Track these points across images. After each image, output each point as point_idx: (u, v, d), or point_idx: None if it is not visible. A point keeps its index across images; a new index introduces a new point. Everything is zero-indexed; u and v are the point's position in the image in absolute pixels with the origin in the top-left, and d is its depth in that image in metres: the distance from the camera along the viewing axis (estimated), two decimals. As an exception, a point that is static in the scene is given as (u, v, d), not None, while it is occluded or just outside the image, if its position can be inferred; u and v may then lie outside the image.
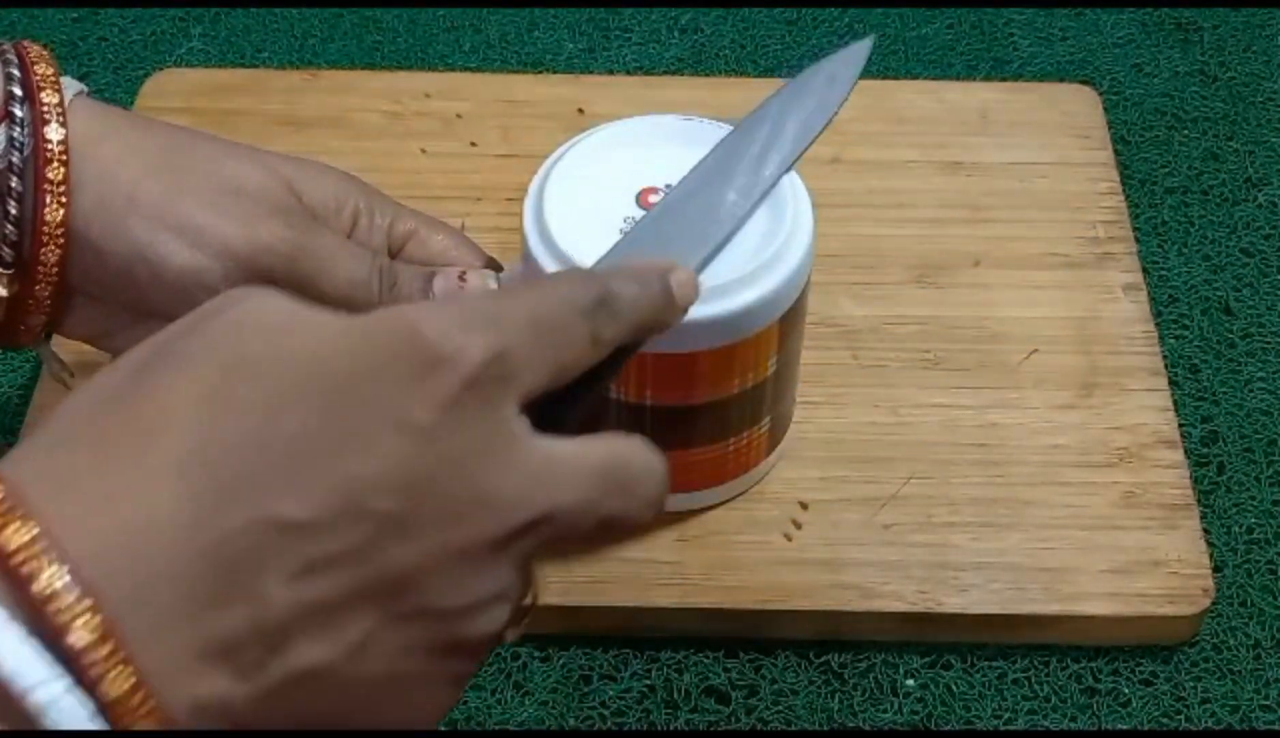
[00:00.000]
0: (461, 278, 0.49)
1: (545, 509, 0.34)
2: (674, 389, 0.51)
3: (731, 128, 0.51)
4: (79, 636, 0.29)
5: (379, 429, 0.32)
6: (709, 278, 0.49)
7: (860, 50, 0.52)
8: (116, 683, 0.29)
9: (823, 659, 0.54)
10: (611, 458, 0.35)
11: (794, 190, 0.51)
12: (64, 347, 0.53)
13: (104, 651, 0.29)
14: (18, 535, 0.29)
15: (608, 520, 0.35)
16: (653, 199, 0.51)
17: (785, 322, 0.51)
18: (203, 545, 0.30)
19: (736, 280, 0.49)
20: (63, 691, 0.29)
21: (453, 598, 0.33)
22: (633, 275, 0.38)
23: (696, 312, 0.48)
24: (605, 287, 0.37)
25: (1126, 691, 0.54)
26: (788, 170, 0.50)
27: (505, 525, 0.33)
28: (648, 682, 0.54)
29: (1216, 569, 0.56)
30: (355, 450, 0.31)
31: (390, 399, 0.32)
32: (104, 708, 0.29)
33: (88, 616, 0.29)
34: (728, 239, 0.48)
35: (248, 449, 0.31)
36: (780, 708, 0.53)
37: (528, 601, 0.36)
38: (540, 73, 0.75)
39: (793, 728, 0.53)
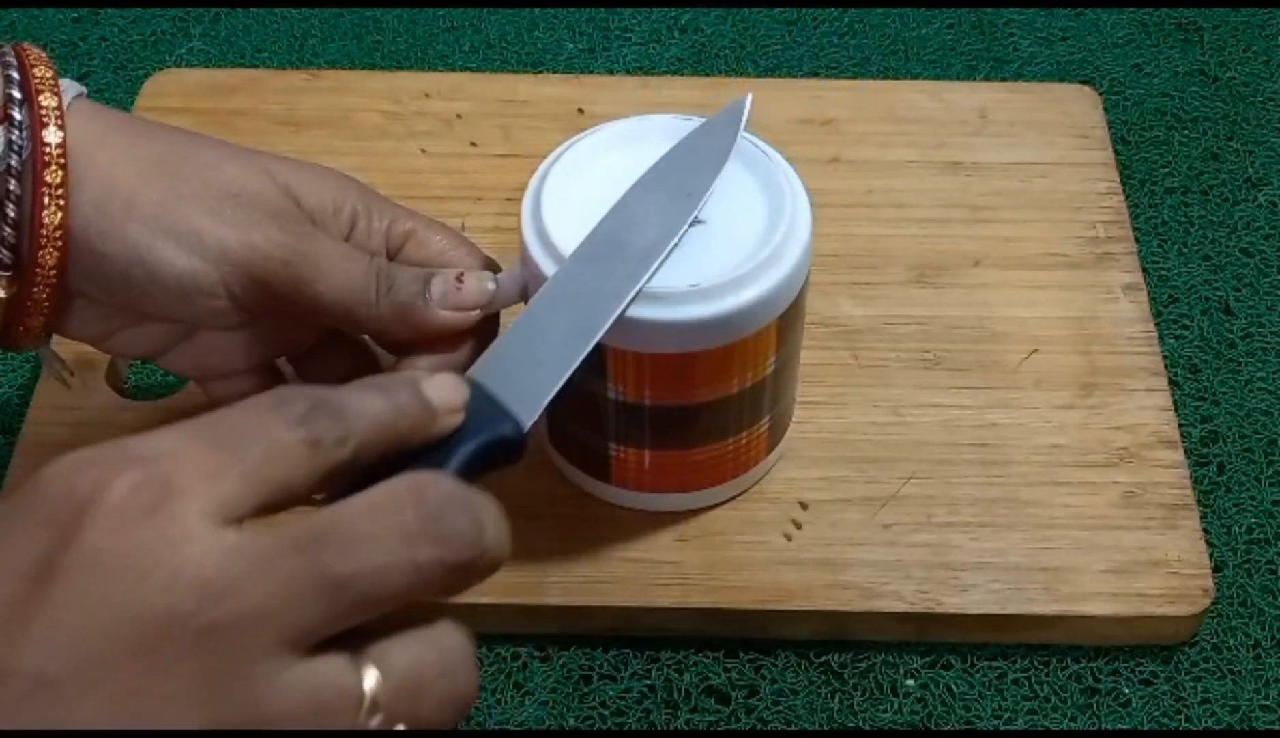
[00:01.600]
0: (459, 279, 0.49)
1: (223, 614, 0.31)
2: (673, 389, 0.51)
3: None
4: None
5: (12, 588, 0.31)
6: (707, 277, 0.49)
7: (735, 107, 0.52)
8: None
9: (823, 659, 0.54)
10: (316, 525, 0.33)
11: (791, 189, 0.51)
12: (64, 347, 0.54)
13: None
14: None
15: (370, 582, 0.33)
16: None
17: (784, 321, 0.51)
18: None
19: (734, 280, 0.49)
20: None
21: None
22: (371, 385, 0.38)
23: (694, 311, 0.49)
24: (319, 397, 0.36)
25: (1126, 691, 0.54)
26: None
27: (171, 651, 0.31)
28: (648, 682, 0.54)
29: (1216, 569, 0.56)
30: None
31: (23, 556, 0.31)
32: None
33: None
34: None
35: None
36: (780, 708, 0.53)
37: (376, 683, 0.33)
38: (540, 73, 0.75)
39: (793, 728, 0.53)
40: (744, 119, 0.51)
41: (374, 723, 0.33)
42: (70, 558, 0.31)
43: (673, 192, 0.50)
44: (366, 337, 0.52)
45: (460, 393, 0.40)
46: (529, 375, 0.45)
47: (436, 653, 0.35)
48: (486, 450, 0.42)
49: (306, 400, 0.35)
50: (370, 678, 0.33)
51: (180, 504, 0.32)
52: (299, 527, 0.33)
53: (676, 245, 0.49)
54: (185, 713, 0.31)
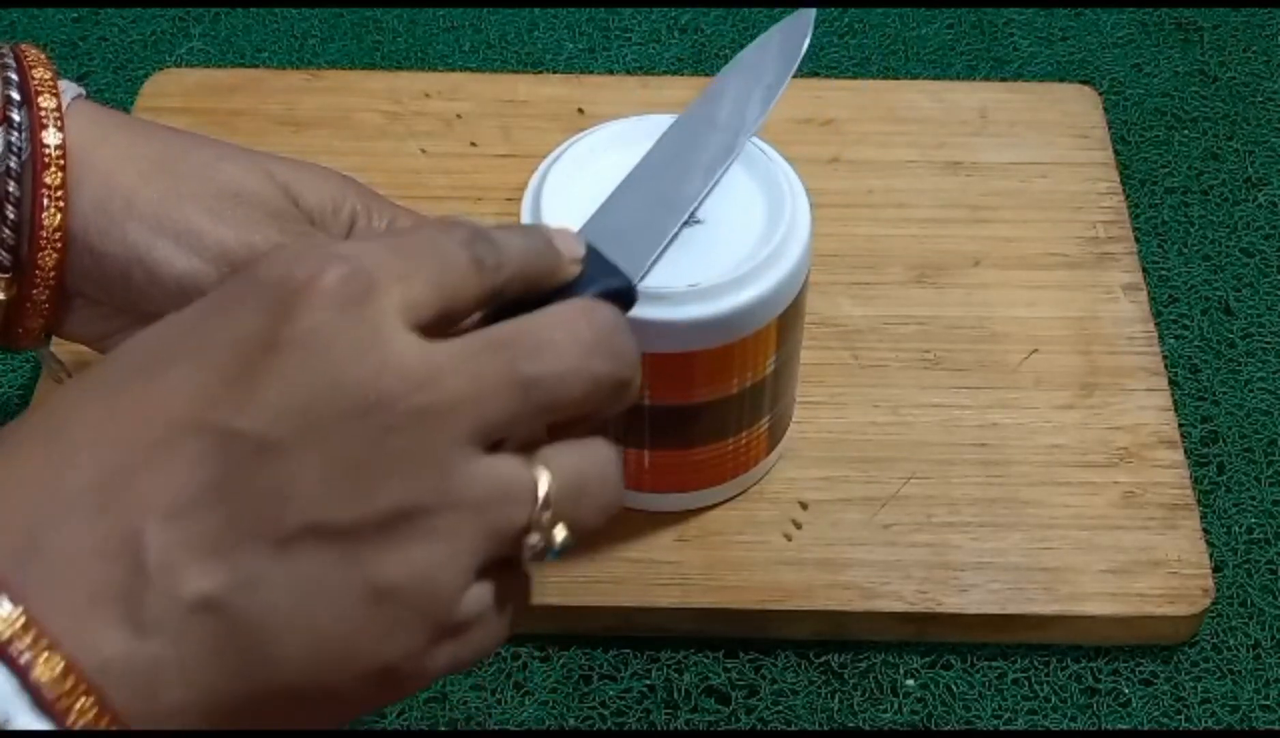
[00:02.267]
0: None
1: (426, 400, 0.33)
2: (672, 389, 0.51)
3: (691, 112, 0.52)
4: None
5: (232, 358, 0.33)
6: (706, 277, 0.49)
7: (804, 19, 0.54)
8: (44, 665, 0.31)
9: (823, 659, 0.54)
10: (505, 331, 0.36)
11: (791, 189, 0.51)
12: (63, 348, 0.53)
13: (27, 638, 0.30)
14: None
15: (553, 385, 0.35)
16: None
17: (783, 321, 0.51)
18: (84, 502, 0.32)
19: (734, 280, 0.49)
20: None
21: (342, 511, 0.33)
22: (512, 228, 0.39)
23: (694, 311, 0.49)
24: (478, 226, 0.38)
25: (1126, 691, 0.54)
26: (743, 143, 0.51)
27: (380, 425, 0.33)
28: (648, 682, 0.54)
29: (1216, 569, 0.56)
30: (212, 384, 0.33)
31: (244, 329, 0.33)
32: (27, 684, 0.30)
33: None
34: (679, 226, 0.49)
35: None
36: (780, 708, 0.53)
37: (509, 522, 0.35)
38: (540, 73, 0.75)
39: (793, 728, 0.53)
40: (809, 29, 0.54)
41: (544, 518, 0.35)
42: (290, 334, 0.33)
43: (752, 82, 0.52)
44: None
45: (581, 245, 0.41)
46: (633, 236, 0.46)
47: (594, 462, 0.37)
48: (603, 299, 0.43)
49: (468, 227, 0.37)
50: (544, 477, 0.35)
51: (382, 299, 0.34)
52: (491, 330, 0.36)
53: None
54: (387, 485, 0.33)
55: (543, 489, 0.35)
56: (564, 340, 0.36)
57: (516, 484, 0.35)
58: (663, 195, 0.49)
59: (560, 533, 0.36)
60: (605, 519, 0.37)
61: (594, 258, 0.42)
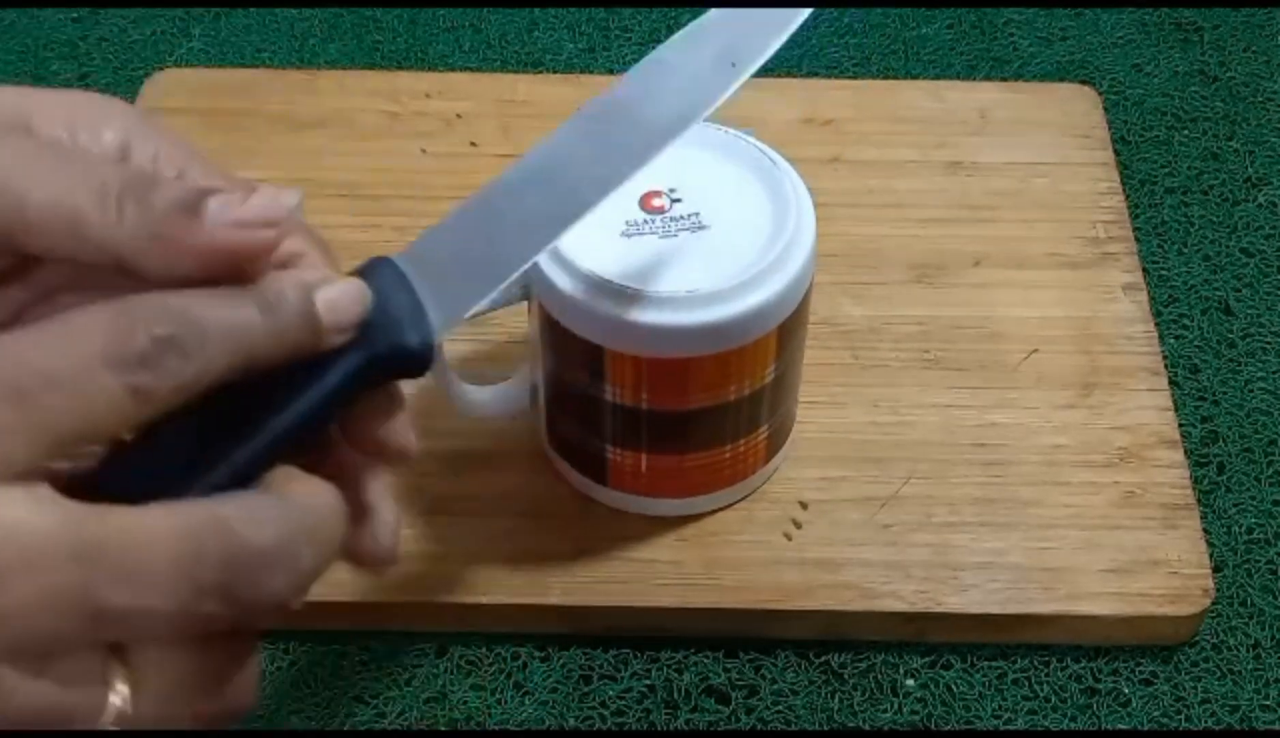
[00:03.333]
0: (246, 193, 0.35)
1: None
2: (669, 394, 0.51)
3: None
4: None
5: None
6: (707, 283, 0.49)
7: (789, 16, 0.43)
8: None
9: (823, 659, 0.54)
10: (94, 535, 0.29)
11: (797, 196, 0.51)
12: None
13: None
14: None
15: (137, 623, 0.29)
16: (655, 202, 0.51)
17: (784, 330, 0.51)
18: None
19: (735, 287, 0.49)
20: None
21: None
22: (250, 296, 0.31)
23: (693, 317, 0.49)
24: (177, 322, 0.30)
25: (1126, 691, 0.54)
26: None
27: None
28: (648, 682, 0.54)
29: (1216, 569, 0.56)
30: None
31: None
32: None
33: None
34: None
35: None
36: (780, 708, 0.53)
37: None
38: (540, 73, 0.75)
39: (793, 728, 0.53)
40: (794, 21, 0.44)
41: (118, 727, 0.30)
42: None
43: (716, 57, 0.41)
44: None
45: (359, 306, 0.33)
46: (472, 264, 0.37)
47: (205, 664, 0.31)
48: (380, 364, 0.35)
49: (156, 331, 0.30)
50: (116, 695, 0.30)
51: None
52: (87, 530, 0.29)
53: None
54: None
55: (110, 713, 0.30)
56: (173, 579, 0.29)
57: (79, 707, 0.29)
58: (540, 208, 0.39)
59: None
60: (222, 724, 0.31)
61: (394, 295, 0.35)
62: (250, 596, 0.29)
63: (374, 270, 0.36)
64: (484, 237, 0.38)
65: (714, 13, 0.42)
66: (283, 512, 0.30)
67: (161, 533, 0.29)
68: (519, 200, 0.39)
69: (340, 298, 0.33)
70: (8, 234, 0.34)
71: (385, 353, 0.35)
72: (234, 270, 0.34)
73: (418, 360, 0.36)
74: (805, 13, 0.42)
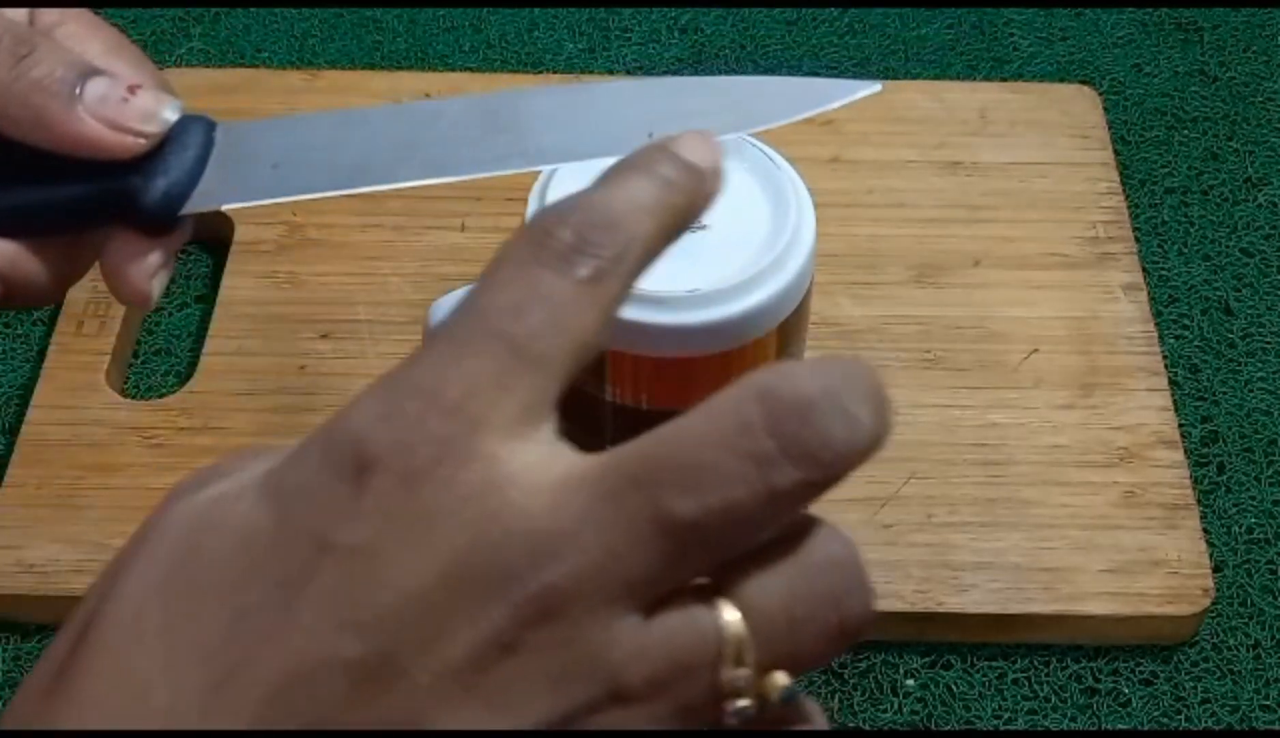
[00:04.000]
0: (130, 91, 0.37)
1: (558, 576, 0.26)
2: (670, 394, 0.51)
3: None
4: None
5: (312, 568, 0.27)
6: (707, 282, 0.49)
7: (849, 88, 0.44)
8: None
9: (823, 659, 0.54)
10: (645, 455, 0.28)
11: (797, 196, 0.51)
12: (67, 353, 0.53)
13: None
14: None
15: (717, 526, 0.27)
16: None
17: (785, 330, 0.51)
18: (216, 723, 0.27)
19: (735, 286, 0.49)
20: None
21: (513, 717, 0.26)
22: (625, 167, 0.31)
23: (693, 317, 0.49)
24: (582, 208, 0.30)
25: (1126, 691, 0.54)
26: None
27: (508, 618, 0.26)
28: (648, 682, 0.54)
29: (1216, 569, 0.56)
30: (287, 610, 0.27)
31: (313, 531, 0.27)
32: None
33: None
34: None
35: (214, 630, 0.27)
36: (780, 708, 0.53)
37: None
38: (540, 73, 0.75)
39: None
40: (830, 106, 0.43)
41: (740, 676, 0.28)
42: (386, 525, 0.27)
43: (639, 114, 0.40)
44: None
45: (717, 148, 0.33)
46: (291, 166, 0.38)
47: (810, 579, 0.29)
48: (112, 200, 0.37)
49: (570, 221, 0.30)
50: (730, 619, 0.28)
51: (486, 440, 0.27)
52: (632, 454, 0.28)
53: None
54: (533, 695, 0.27)
55: (732, 637, 0.27)
56: (731, 460, 0.27)
57: (692, 644, 0.27)
58: (376, 153, 0.39)
59: (780, 682, 0.29)
60: (844, 644, 0.29)
61: (171, 155, 0.37)
62: (817, 446, 0.27)
63: (187, 122, 0.38)
64: (320, 148, 0.38)
65: (699, 86, 0.41)
66: (814, 365, 0.28)
67: (700, 425, 0.28)
68: (374, 135, 0.39)
69: (700, 147, 0.32)
70: None
71: (118, 193, 0.36)
72: (95, 155, 0.37)
73: (148, 216, 0.37)
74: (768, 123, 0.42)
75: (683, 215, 0.32)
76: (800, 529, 0.29)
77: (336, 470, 0.27)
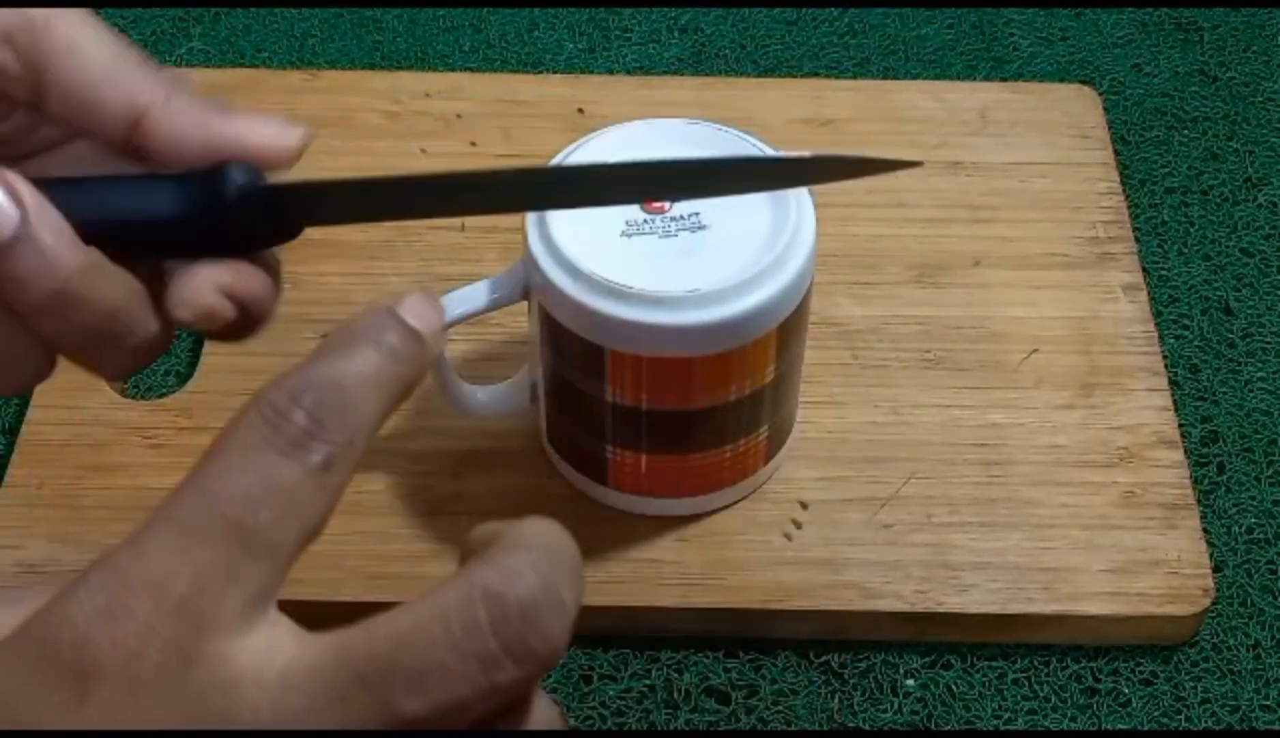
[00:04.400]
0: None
1: None
2: (669, 394, 0.51)
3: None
4: None
5: None
6: (707, 282, 0.49)
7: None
8: None
9: (823, 659, 0.54)
10: (376, 654, 0.28)
11: (797, 196, 0.51)
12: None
13: None
14: None
15: (445, 718, 0.28)
16: (655, 202, 0.51)
17: (784, 330, 0.51)
18: None
19: (735, 286, 0.49)
20: None
21: None
22: (348, 340, 0.32)
23: (693, 317, 0.49)
24: (315, 390, 0.30)
25: (1126, 691, 0.54)
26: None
27: None
28: (648, 682, 0.54)
29: (1216, 569, 0.56)
30: None
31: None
32: None
33: None
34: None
35: None
36: (780, 708, 0.53)
37: None
38: (540, 73, 0.75)
39: (793, 728, 0.53)
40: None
41: None
42: (93, 716, 0.27)
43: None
44: None
45: (439, 309, 0.34)
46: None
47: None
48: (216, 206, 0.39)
49: (303, 403, 0.30)
50: None
51: (213, 639, 0.28)
52: (359, 650, 0.28)
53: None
54: None
55: None
56: (457, 660, 0.28)
57: None
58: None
59: None
60: None
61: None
62: (538, 644, 0.29)
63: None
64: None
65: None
66: (530, 557, 0.30)
67: (428, 624, 0.29)
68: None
69: (422, 309, 0.33)
70: (43, 89, 0.38)
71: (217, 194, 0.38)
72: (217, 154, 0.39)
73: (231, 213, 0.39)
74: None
75: (406, 387, 0.33)
76: (514, 702, 0.30)
77: (57, 678, 0.27)
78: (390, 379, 0.32)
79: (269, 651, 0.28)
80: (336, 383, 0.31)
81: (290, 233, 0.40)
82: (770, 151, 0.53)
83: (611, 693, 0.53)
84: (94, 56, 0.38)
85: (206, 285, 0.38)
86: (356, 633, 0.29)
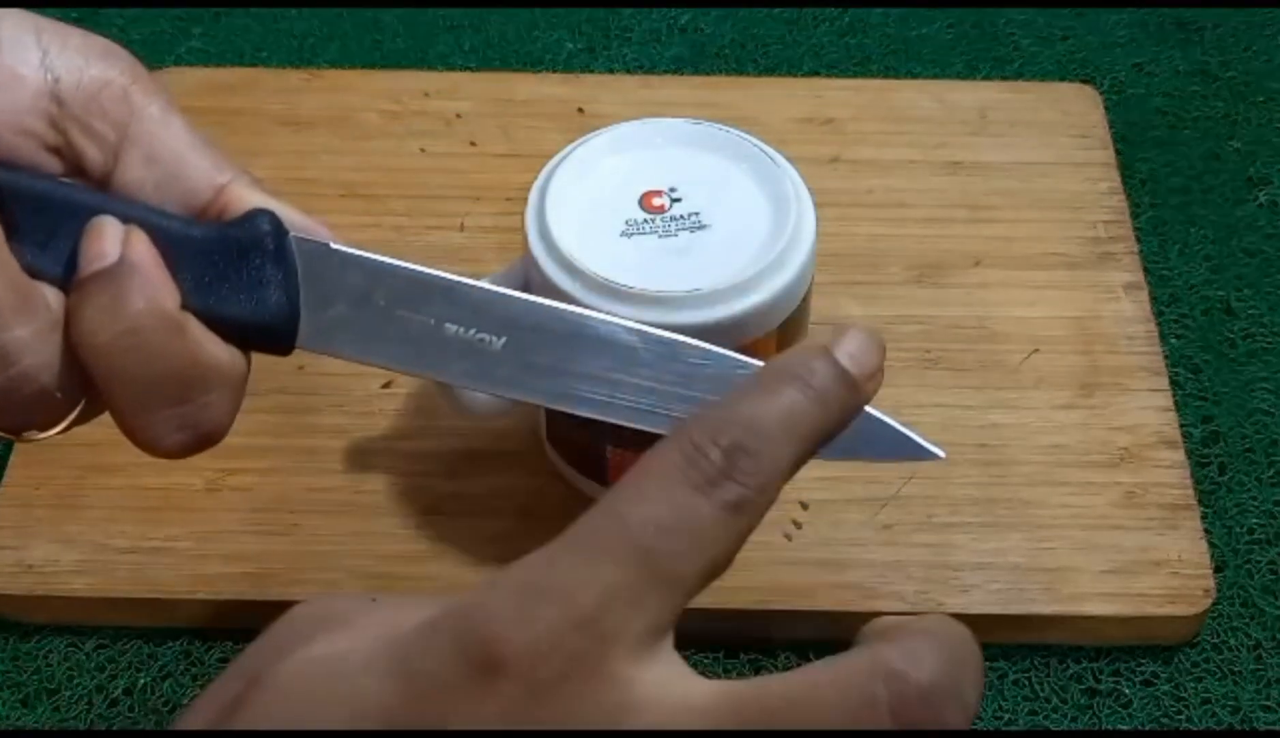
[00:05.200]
0: None
1: None
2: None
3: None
4: None
5: None
6: (707, 282, 0.49)
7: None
8: None
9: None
10: (769, 702, 0.28)
11: (797, 196, 0.51)
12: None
13: None
14: None
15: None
16: (655, 201, 0.51)
17: (784, 330, 0.51)
18: None
19: (735, 287, 0.49)
20: None
21: None
22: (779, 376, 0.32)
23: (693, 317, 0.48)
24: (734, 428, 0.30)
25: (1127, 691, 0.54)
26: None
27: None
28: (648, 682, 0.54)
29: (1217, 569, 0.56)
30: None
31: (435, 719, 0.28)
32: None
33: None
34: None
35: None
36: (780, 709, 0.53)
37: None
38: (540, 73, 0.75)
39: (793, 729, 0.53)
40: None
41: None
42: (508, 730, 0.28)
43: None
44: None
45: (878, 353, 0.34)
46: (368, 326, 0.40)
47: None
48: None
49: (722, 442, 0.30)
50: None
51: (614, 659, 0.28)
52: (753, 701, 0.28)
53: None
54: None
55: None
56: (848, 720, 0.28)
57: None
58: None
59: None
60: None
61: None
62: (933, 732, 0.28)
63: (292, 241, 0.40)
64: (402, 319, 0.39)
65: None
66: (938, 645, 0.29)
67: (825, 690, 0.28)
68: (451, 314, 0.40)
69: (860, 350, 0.34)
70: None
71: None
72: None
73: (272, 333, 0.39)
74: None
75: (832, 432, 0.33)
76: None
77: (467, 664, 0.28)
78: (814, 423, 0.32)
79: (665, 683, 0.29)
80: (759, 424, 0.31)
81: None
82: (764, 148, 0.52)
83: (611, 693, 0.53)
84: (184, 126, 0.40)
85: None
86: (749, 686, 0.29)
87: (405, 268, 0.39)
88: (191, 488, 0.57)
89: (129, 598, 0.54)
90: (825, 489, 0.57)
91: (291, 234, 0.40)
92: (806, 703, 0.28)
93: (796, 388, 0.32)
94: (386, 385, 0.59)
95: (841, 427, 0.33)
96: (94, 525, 0.56)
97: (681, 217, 0.51)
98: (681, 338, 0.38)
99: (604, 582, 0.28)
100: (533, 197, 0.52)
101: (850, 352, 0.34)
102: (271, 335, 0.39)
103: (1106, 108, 0.71)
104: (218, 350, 0.39)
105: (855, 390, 0.33)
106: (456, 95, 0.71)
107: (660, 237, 0.50)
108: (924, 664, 0.29)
